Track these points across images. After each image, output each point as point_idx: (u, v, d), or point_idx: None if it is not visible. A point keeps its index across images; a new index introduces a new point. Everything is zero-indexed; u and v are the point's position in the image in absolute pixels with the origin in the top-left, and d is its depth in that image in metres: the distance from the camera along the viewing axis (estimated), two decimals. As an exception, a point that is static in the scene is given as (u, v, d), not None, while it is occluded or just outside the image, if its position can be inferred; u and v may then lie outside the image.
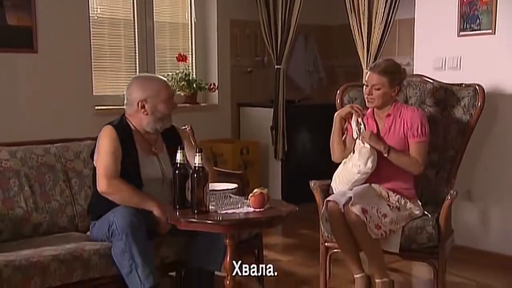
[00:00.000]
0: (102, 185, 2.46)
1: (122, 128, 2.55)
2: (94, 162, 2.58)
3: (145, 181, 2.52)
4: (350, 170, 2.75)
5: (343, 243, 2.71)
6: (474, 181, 3.45)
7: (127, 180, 2.48)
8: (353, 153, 2.78)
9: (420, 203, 2.83)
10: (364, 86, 2.85)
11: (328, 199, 2.71)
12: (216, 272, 2.63)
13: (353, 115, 2.82)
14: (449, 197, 2.68)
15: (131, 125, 2.58)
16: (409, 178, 2.81)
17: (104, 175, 2.46)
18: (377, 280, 2.64)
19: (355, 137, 2.78)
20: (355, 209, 2.57)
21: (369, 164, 2.68)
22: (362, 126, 2.79)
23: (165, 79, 2.70)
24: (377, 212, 2.62)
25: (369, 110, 2.89)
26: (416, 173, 2.80)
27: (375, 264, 2.65)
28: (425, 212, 2.79)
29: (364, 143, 2.71)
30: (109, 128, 2.54)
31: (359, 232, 2.59)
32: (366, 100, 2.85)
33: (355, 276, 2.70)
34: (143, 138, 2.58)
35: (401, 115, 2.79)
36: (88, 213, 2.67)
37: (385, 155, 2.71)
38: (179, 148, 2.35)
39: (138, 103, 2.54)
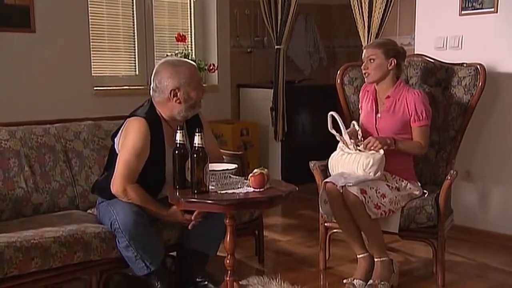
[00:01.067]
0: (116, 187, 2.42)
1: (153, 120, 2.47)
2: (115, 146, 2.53)
3: (168, 178, 2.48)
4: (355, 172, 2.66)
5: (344, 223, 2.71)
6: (474, 161, 3.45)
7: (150, 175, 2.44)
8: (349, 147, 2.72)
9: (419, 184, 2.83)
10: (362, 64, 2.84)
11: (326, 180, 2.71)
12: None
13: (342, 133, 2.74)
14: (449, 177, 2.68)
15: (160, 114, 2.52)
16: (407, 159, 2.81)
17: (121, 178, 2.41)
18: (376, 259, 2.66)
19: (354, 149, 2.69)
20: (353, 190, 2.57)
21: (379, 173, 2.66)
22: (356, 128, 2.72)
23: (193, 63, 2.62)
24: (376, 192, 2.62)
25: (372, 87, 2.87)
26: (420, 155, 2.81)
27: (375, 244, 2.67)
28: (424, 191, 2.80)
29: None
30: (141, 121, 2.44)
31: (357, 213, 2.60)
32: (364, 76, 2.84)
33: (358, 256, 2.72)
34: (170, 128, 2.52)
35: (401, 97, 2.78)
36: (94, 189, 2.64)
37: (393, 148, 2.68)
38: (178, 127, 2.33)
39: (170, 92, 2.46)
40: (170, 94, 2.47)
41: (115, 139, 2.55)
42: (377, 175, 2.65)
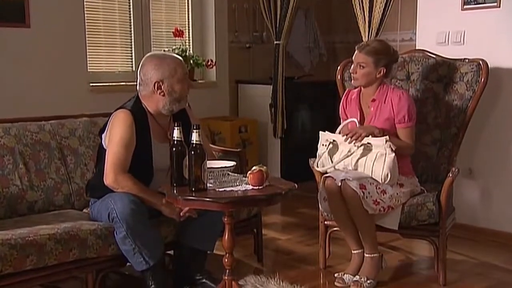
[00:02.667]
0: (108, 179, 2.44)
1: (138, 113, 2.50)
2: (102, 142, 2.56)
3: (156, 171, 2.51)
4: (365, 173, 2.66)
5: (341, 220, 2.73)
6: (476, 158, 3.46)
7: (138, 169, 2.46)
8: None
9: (417, 179, 2.84)
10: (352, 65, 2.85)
11: (326, 175, 2.72)
12: (214, 251, 2.66)
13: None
14: (450, 175, 2.69)
15: (146, 108, 2.54)
16: (404, 156, 2.80)
17: (112, 169, 2.43)
18: (366, 255, 2.70)
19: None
20: (352, 184, 2.58)
21: (396, 177, 2.66)
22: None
23: (179, 57, 2.63)
24: (376, 188, 2.64)
25: (354, 94, 2.88)
26: (408, 154, 2.81)
27: (367, 240, 2.70)
28: (422, 188, 2.81)
29: (386, 152, 2.61)
30: (126, 113, 2.48)
31: (354, 207, 2.61)
32: (352, 78, 2.85)
33: (353, 251, 2.76)
34: (157, 123, 2.55)
35: (386, 99, 2.78)
36: (87, 190, 2.66)
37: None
38: (175, 124, 2.34)
39: (154, 84, 2.49)
40: (154, 87, 2.50)
41: (103, 135, 2.57)
42: (394, 180, 2.66)
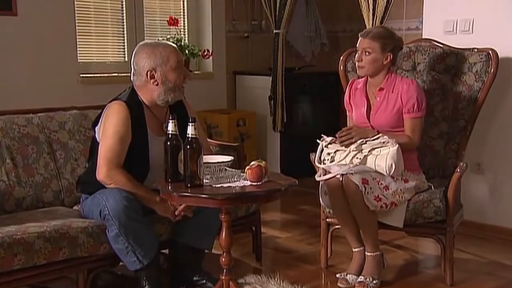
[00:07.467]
0: (101, 174, 2.43)
1: (134, 105, 2.49)
2: (95, 135, 2.55)
3: (152, 166, 2.50)
4: (367, 167, 2.66)
5: (342, 216, 2.73)
6: (485, 153, 3.46)
7: (133, 163, 2.45)
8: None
9: (424, 176, 2.84)
10: (356, 53, 2.83)
11: (328, 170, 2.71)
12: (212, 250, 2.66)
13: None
14: (458, 170, 2.69)
15: (141, 99, 2.53)
16: (411, 151, 2.80)
17: (105, 163, 2.42)
18: (368, 254, 2.71)
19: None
20: (355, 179, 2.58)
21: (401, 168, 2.66)
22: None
23: (173, 45, 2.61)
24: (378, 183, 2.63)
25: (360, 84, 2.88)
26: (410, 149, 2.79)
27: (369, 238, 2.70)
28: (429, 184, 2.81)
29: (389, 145, 2.61)
30: (121, 105, 2.47)
31: (355, 202, 2.61)
32: (357, 68, 2.84)
33: (354, 250, 2.77)
34: (153, 115, 2.55)
35: (394, 88, 2.78)
36: (78, 185, 2.66)
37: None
38: (170, 117, 2.33)
39: (147, 73, 2.48)
40: (147, 76, 2.49)
41: (96, 128, 2.56)
42: (399, 171, 2.66)
